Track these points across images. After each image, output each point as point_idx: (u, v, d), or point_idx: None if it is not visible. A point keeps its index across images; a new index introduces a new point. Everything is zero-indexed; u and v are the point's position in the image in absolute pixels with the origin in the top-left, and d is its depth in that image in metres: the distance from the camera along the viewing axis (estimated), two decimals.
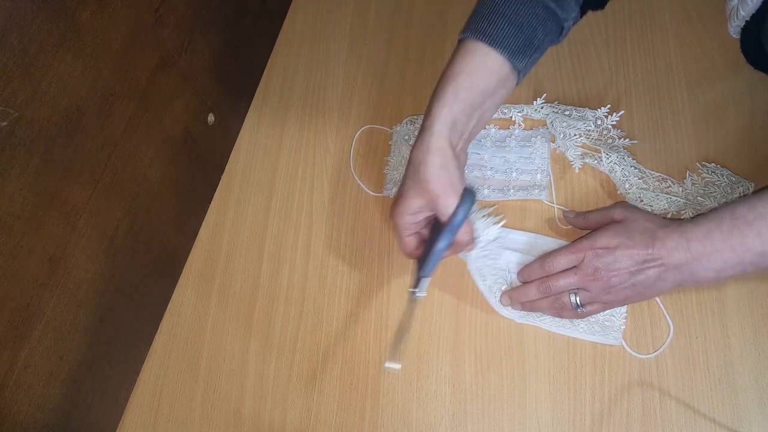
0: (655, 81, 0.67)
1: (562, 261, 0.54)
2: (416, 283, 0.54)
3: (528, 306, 0.56)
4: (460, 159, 0.53)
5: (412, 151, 0.52)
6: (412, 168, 0.52)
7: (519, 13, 0.51)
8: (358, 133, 0.72)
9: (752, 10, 0.58)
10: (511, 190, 0.63)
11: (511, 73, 0.53)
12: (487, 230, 0.60)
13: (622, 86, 0.68)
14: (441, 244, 0.51)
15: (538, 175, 0.63)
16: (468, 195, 0.51)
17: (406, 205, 0.52)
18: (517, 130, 0.66)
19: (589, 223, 0.58)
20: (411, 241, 0.54)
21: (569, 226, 0.60)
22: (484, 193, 0.64)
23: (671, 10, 0.72)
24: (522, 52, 0.52)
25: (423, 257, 0.54)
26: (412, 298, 0.54)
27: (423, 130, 0.52)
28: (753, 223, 0.46)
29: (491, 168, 0.65)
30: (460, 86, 0.51)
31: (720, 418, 0.51)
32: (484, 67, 0.51)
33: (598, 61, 0.70)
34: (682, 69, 0.68)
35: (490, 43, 0.50)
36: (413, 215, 0.52)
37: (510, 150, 0.65)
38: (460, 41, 0.53)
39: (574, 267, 0.53)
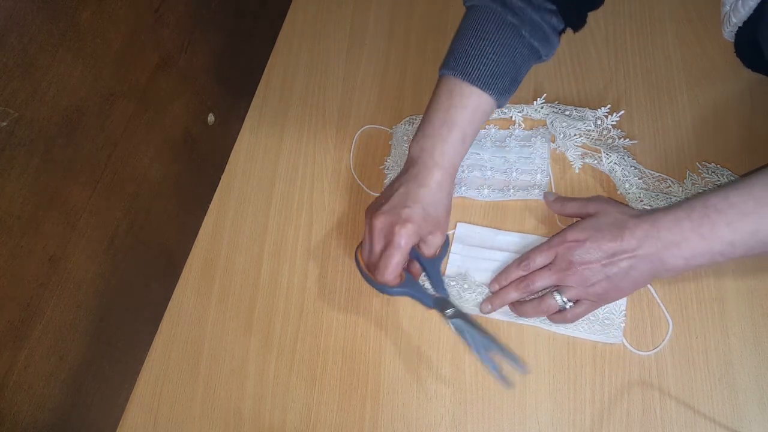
0: (655, 81, 0.67)
1: (538, 259, 0.54)
2: (438, 306, 0.55)
3: (517, 311, 0.56)
4: None
5: (427, 181, 0.55)
6: (434, 199, 0.55)
7: (507, 55, 0.55)
8: (358, 132, 0.72)
9: (744, 17, 0.59)
10: (511, 190, 0.63)
11: (495, 108, 0.58)
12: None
13: (622, 86, 0.68)
14: (437, 267, 0.57)
15: (538, 175, 0.63)
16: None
17: (426, 228, 0.54)
18: (517, 130, 0.66)
19: (566, 209, 0.59)
20: (401, 265, 0.54)
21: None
22: (484, 193, 0.64)
23: (671, 11, 0.72)
24: (508, 90, 0.57)
25: (403, 284, 0.56)
26: (449, 320, 0.55)
27: (438, 168, 0.55)
28: (724, 212, 0.46)
29: (491, 168, 0.65)
30: (467, 134, 0.56)
31: (720, 418, 0.51)
32: (481, 110, 0.56)
33: (598, 61, 0.70)
34: (682, 69, 0.68)
35: (482, 87, 0.54)
36: (415, 239, 0.54)
37: (510, 150, 0.65)
38: (447, 78, 0.56)
39: (550, 264, 0.54)
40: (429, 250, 0.57)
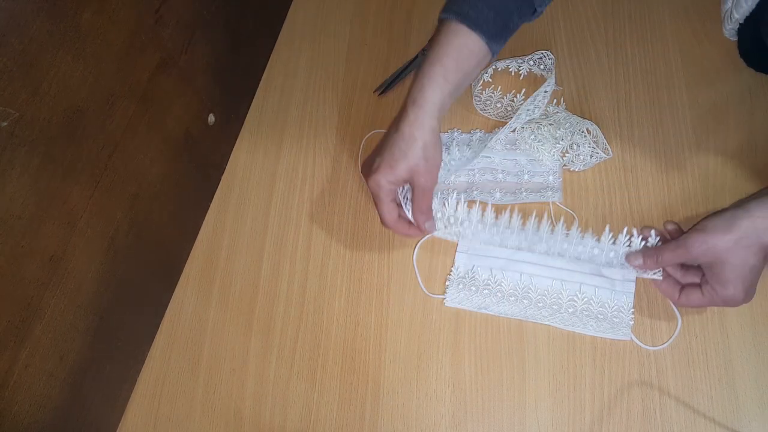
0: (654, 81, 0.67)
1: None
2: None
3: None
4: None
5: (400, 124, 0.55)
6: (404, 142, 0.54)
7: None
8: (367, 137, 0.71)
9: (746, 13, 0.58)
10: (524, 193, 0.63)
11: (488, 54, 0.57)
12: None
13: (622, 86, 0.68)
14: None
15: (550, 177, 0.63)
16: None
17: (394, 174, 0.54)
18: (527, 132, 0.66)
19: (664, 262, 0.54)
20: (393, 209, 0.57)
21: (572, 230, 0.60)
22: (496, 197, 0.63)
23: (671, 11, 0.72)
24: (499, 35, 0.56)
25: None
26: None
27: (413, 105, 0.55)
28: None
29: (502, 171, 0.65)
30: (447, 69, 0.55)
31: (719, 418, 0.51)
32: (467, 49, 0.55)
33: (598, 61, 0.70)
34: (681, 69, 0.68)
35: (471, 27, 0.54)
36: (396, 185, 0.56)
37: (521, 152, 0.65)
38: (442, 21, 0.56)
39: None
40: (416, 191, 0.56)
